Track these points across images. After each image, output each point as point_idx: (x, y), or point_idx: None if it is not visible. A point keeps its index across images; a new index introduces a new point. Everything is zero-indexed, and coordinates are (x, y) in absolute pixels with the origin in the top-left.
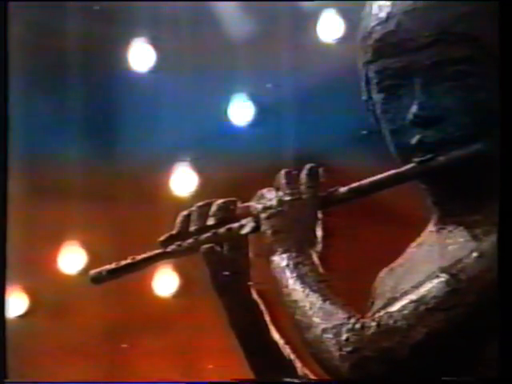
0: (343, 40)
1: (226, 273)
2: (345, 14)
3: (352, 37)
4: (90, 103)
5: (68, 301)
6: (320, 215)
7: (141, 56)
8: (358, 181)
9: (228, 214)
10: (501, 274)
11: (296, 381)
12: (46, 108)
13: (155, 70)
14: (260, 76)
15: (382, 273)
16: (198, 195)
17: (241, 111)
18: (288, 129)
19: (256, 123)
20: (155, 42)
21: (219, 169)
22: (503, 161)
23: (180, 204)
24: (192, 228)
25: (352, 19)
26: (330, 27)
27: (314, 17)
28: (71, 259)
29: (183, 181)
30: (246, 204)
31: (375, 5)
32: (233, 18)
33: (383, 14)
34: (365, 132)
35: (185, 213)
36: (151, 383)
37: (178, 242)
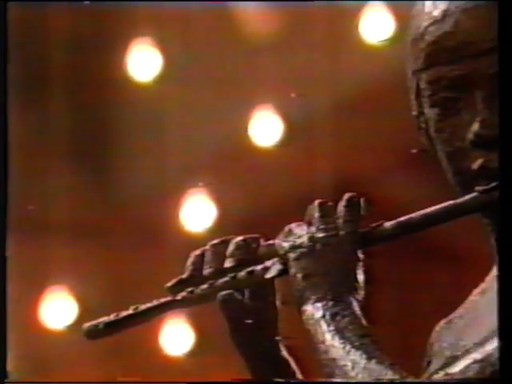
0: (389, 42)
1: (249, 325)
2: (392, 11)
3: (400, 38)
4: (80, 118)
5: (56, 361)
6: (361, 255)
7: (143, 62)
8: (408, 213)
9: (249, 254)
10: (501, 274)
11: (293, 381)
12: (25, 126)
13: (160, 79)
14: (287, 85)
15: (439, 326)
16: (212, 230)
17: (264, 127)
18: (321, 149)
19: (282, 141)
20: (160, 46)
21: (238, 197)
22: (503, 161)
23: (191, 241)
24: (206, 271)
25: (401, 17)
26: (373, 26)
27: (353, 14)
28: (59, 310)
29: (194, 212)
30: (272, 242)
31: (429, 0)
32: (253, 18)
33: (438, 12)
34: (414, 152)
35: (197, 252)
36: (151, 383)
37: (190, 289)
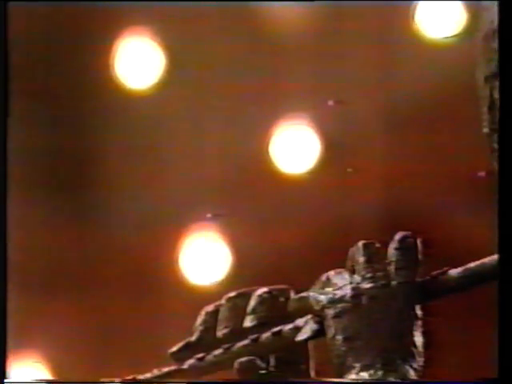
0: (453, 40)
1: None
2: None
3: (468, 35)
4: (61, 134)
5: None
6: (419, 312)
7: (141, 65)
8: (478, 257)
9: (276, 311)
10: (501, 273)
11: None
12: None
13: (162, 86)
14: (322, 93)
15: None
16: (227, 279)
17: (290, 145)
18: (366, 172)
19: (315, 164)
20: (163, 45)
21: (258, 234)
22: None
23: (200, 294)
24: (221, 332)
25: (469, 9)
26: (433, 20)
27: (407, 5)
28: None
29: (202, 254)
30: (304, 294)
31: None
32: (279, 13)
33: None
34: (482, 175)
35: (209, 308)
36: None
37: (200, 355)
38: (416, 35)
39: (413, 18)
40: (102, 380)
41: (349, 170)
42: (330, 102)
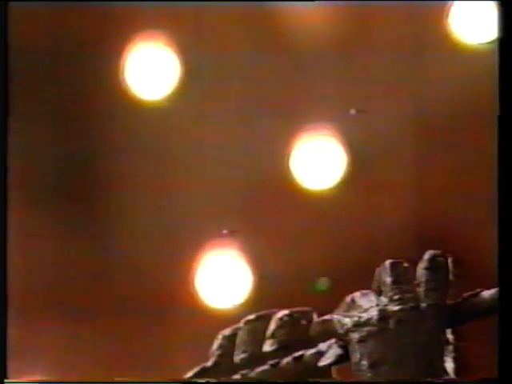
0: (490, 46)
1: None
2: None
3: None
4: (66, 147)
5: None
6: (450, 336)
7: (155, 74)
8: None
9: (297, 334)
10: (501, 273)
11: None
12: None
13: (177, 95)
14: (347, 100)
15: None
16: (246, 301)
17: (314, 157)
18: (392, 188)
19: (338, 178)
20: (178, 51)
21: (279, 253)
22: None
23: (216, 316)
24: (239, 357)
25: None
26: (468, 23)
27: (441, 6)
28: None
29: (217, 274)
30: (327, 317)
31: None
32: (300, 16)
33: None
34: None
35: (226, 332)
36: (151, 383)
37: (217, 381)
38: (449, 39)
39: (446, 20)
40: None
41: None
42: (352, 111)
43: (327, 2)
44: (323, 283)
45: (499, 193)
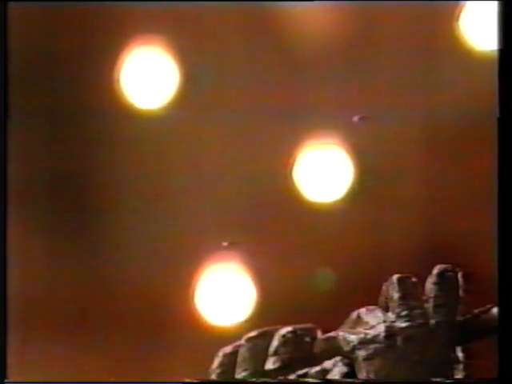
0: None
1: None
2: None
3: None
4: (65, 161)
5: None
6: (460, 354)
7: (153, 81)
8: None
9: (301, 352)
10: (501, 273)
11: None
12: None
13: (176, 103)
14: (354, 107)
15: None
16: (247, 317)
17: (318, 167)
18: (401, 201)
19: (343, 191)
20: (176, 57)
21: (281, 267)
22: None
23: (216, 333)
24: (240, 375)
25: None
26: (482, 28)
27: (452, 9)
28: None
29: (217, 288)
30: (332, 334)
31: None
32: (301, 19)
33: None
34: None
35: (227, 350)
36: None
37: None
38: (461, 43)
39: (457, 22)
40: None
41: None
42: (355, 118)
43: (329, 1)
44: (326, 277)
45: (499, 196)
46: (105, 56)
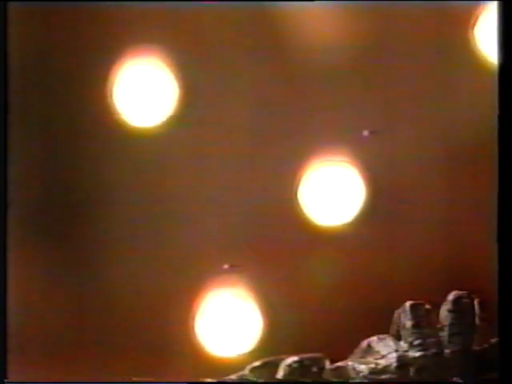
0: None
1: None
2: None
3: None
4: (59, 181)
5: None
6: None
7: (149, 98)
8: None
9: (308, 381)
10: (501, 273)
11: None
12: None
13: (175, 121)
14: (363, 122)
15: None
16: (251, 345)
17: (324, 187)
18: (415, 221)
19: (353, 212)
20: (175, 69)
21: (287, 293)
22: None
23: (219, 363)
24: None
25: None
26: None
27: (467, 15)
28: None
29: (218, 315)
30: (341, 363)
31: None
32: (307, 23)
33: None
34: None
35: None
36: (150, 383)
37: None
38: (477, 54)
39: (473, 31)
40: None
41: None
42: (365, 133)
43: (329, 1)
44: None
45: (499, 193)
46: (97, 68)
